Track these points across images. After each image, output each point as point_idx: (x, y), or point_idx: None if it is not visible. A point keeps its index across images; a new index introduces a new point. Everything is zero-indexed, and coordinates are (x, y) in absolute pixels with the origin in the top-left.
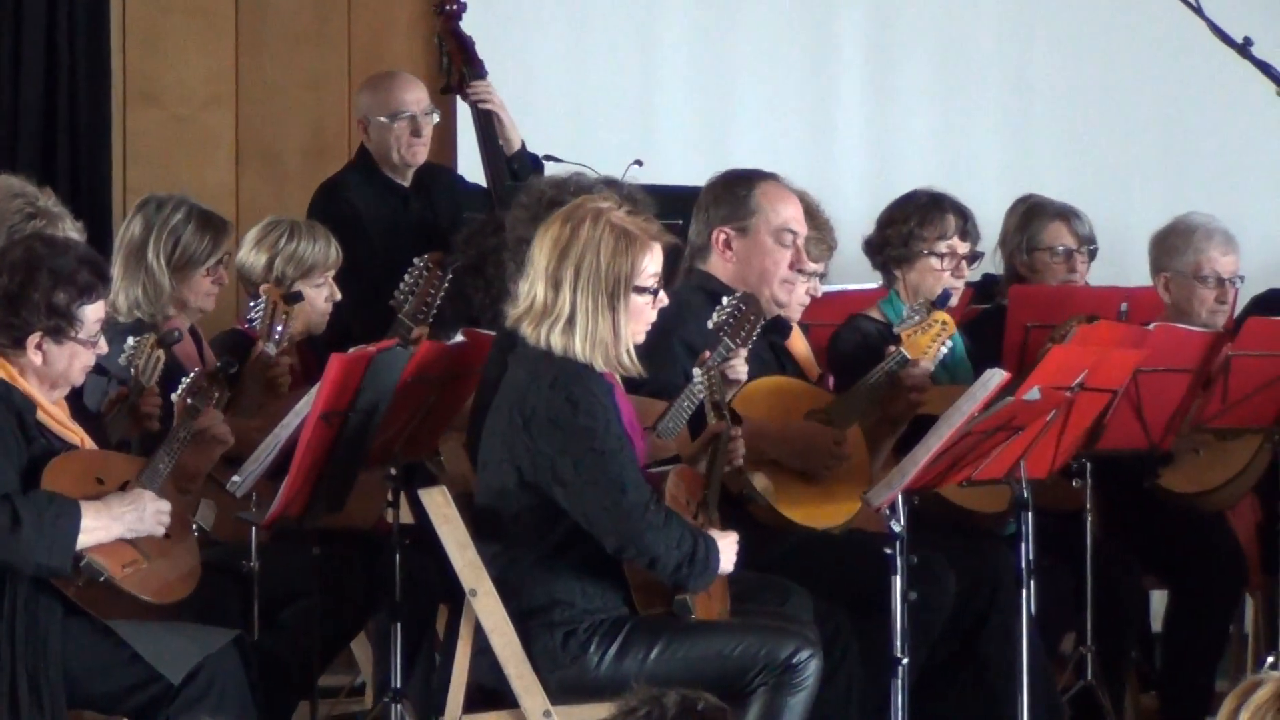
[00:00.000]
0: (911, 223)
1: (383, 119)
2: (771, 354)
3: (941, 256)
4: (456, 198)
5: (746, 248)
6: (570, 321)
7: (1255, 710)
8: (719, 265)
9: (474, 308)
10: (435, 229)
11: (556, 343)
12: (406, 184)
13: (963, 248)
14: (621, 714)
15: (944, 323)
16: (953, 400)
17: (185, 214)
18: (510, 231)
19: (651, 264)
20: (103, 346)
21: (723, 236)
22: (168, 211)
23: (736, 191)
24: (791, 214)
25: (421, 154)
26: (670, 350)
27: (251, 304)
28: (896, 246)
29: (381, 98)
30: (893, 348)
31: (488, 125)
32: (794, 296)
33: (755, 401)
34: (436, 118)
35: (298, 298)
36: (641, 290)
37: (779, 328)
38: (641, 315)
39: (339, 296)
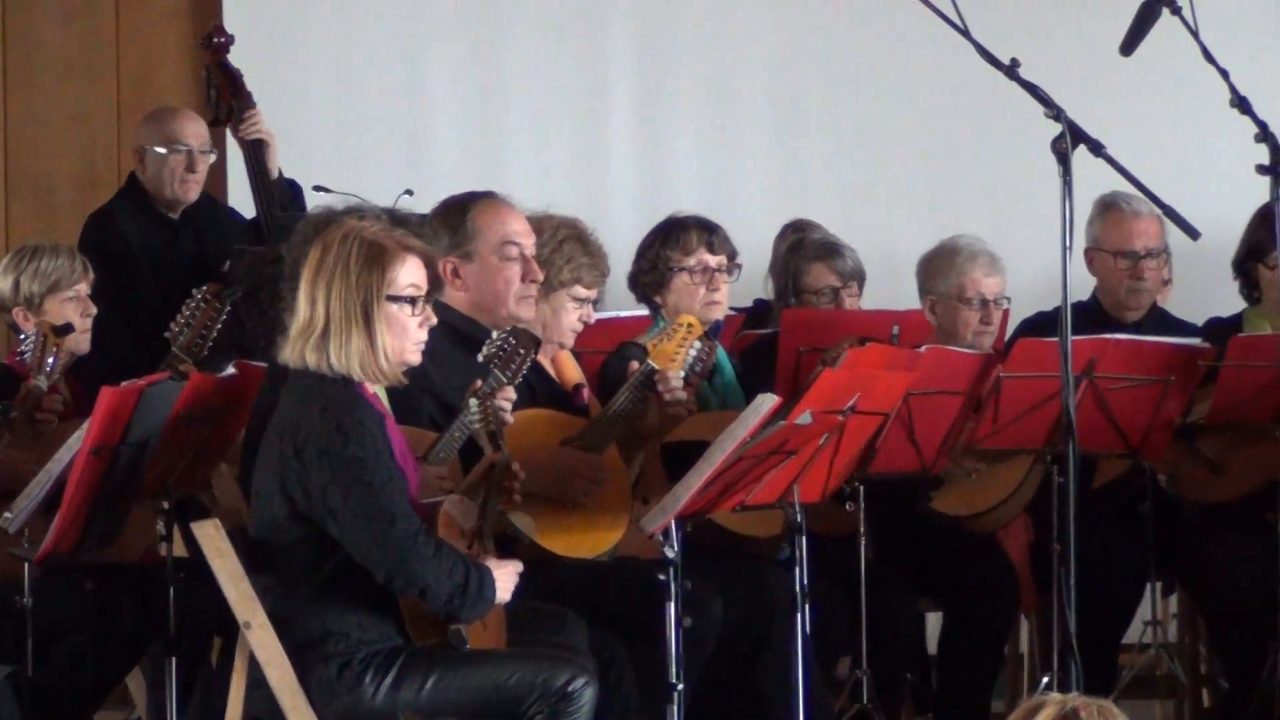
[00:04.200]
0: (657, 245)
1: (160, 150)
2: (521, 378)
3: (692, 271)
4: (224, 230)
5: (474, 272)
6: (325, 334)
7: None
8: (453, 296)
9: (247, 337)
10: (204, 261)
11: (311, 357)
12: (176, 217)
13: (713, 260)
14: None
15: (689, 325)
16: (725, 426)
17: None
18: (287, 256)
19: (405, 274)
20: None
21: (450, 266)
22: None
23: (453, 219)
24: (512, 227)
25: (194, 191)
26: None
27: (22, 338)
28: (648, 273)
29: (162, 129)
30: (634, 363)
31: (259, 155)
32: (565, 322)
33: (510, 435)
34: (213, 158)
35: (68, 329)
36: (396, 299)
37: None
38: (404, 327)
39: (94, 311)
